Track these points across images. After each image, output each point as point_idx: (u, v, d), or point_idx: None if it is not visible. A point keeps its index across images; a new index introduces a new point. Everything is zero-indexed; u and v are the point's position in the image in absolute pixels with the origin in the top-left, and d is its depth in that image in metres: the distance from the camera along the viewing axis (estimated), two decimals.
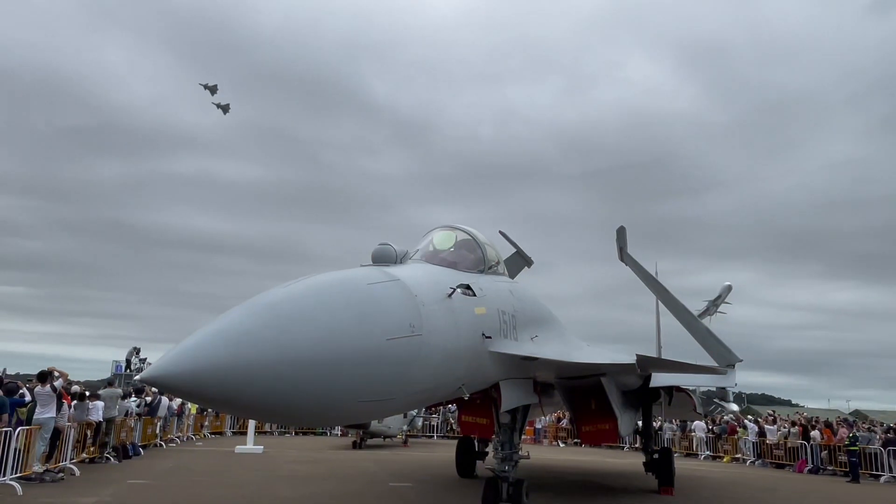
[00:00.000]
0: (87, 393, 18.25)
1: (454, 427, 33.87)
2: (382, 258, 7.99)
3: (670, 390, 17.33)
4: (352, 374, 5.54)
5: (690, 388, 18.12)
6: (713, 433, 31.76)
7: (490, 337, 8.90)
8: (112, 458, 18.35)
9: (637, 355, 12.62)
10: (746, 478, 22.38)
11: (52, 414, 14.51)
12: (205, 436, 30.75)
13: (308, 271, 6.38)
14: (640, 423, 18.46)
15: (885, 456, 22.69)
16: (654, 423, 26.16)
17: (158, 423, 24.39)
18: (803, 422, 28.27)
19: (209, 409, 32.30)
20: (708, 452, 31.17)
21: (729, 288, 26.61)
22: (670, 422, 33.88)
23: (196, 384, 4.58)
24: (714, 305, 26.46)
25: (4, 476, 12.73)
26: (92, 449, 17.93)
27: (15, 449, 13.18)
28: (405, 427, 31.23)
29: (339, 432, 33.74)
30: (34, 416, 14.20)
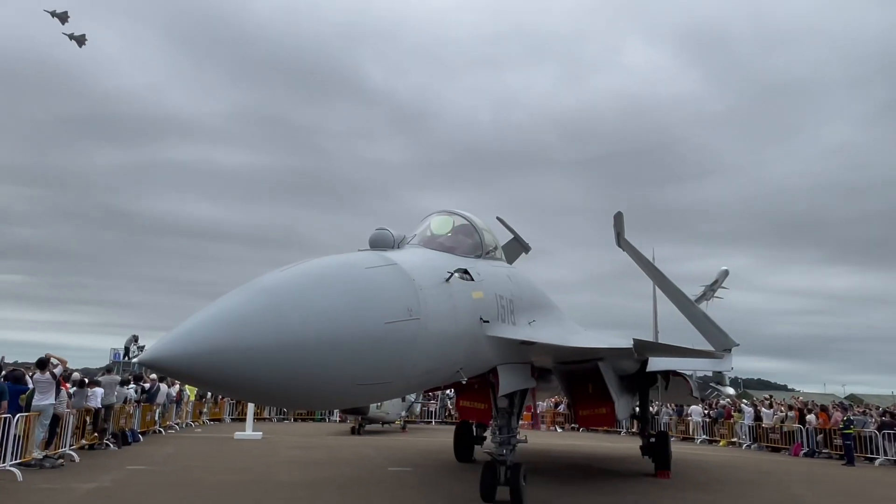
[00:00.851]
0: (87, 380, 18.30)
1: (452, 413, 34.06)
2: (380, 243, 7.99)
3: (667, 375, 17.44)
4: (350, 357, 5.55)
5: (687, 372, 18.22)
6: (709, 417, 31.99)
7: (488, 321, 8.91)
8: (111, 445, 18.43)
9: (634, 340, 12.67)
10: (742, 461, 22.56)
11: (51, 401, 14.54)
12: (203, 422, 30.87)
13: (305, 258, 6.36)
14: (637, 407, 18.58)
15: (880, 439, 22.88)
16: (652, 408, 26.35)
17: (157, 410, 24.47)
18: (799, 406, 28.47)
19: (208, 396, 32.44)
20: (704, 436, 31.41)
21: (726, 273, 26.66)
22: (666, 406, 34.12)
23: (193, 367, 4.59)
24: (711, 290, 26.52)
25: (4, 462, 12.77)
26: (92, 436, 17.99)
27: (14, 435, 13.23)
28: (404, 413, 31.40)
29: (338, 418, 33.90)
30: (33, 403, 14.24)
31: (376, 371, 6.08)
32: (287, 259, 6.04)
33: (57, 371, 15.05)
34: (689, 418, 32.66)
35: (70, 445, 16.29)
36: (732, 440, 29.59)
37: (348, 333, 5.53)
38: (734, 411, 31.36)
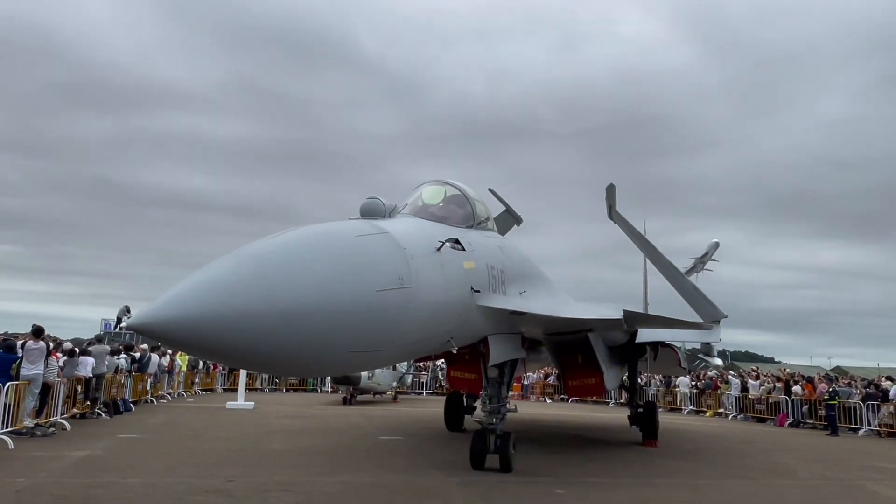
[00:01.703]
0: (77, 349, 18.26)
1: (444, 384, 34.30)
2: (371, 212, 7.95)
3: (656, 346, 17.59)
4: (340, 325, 5.54)
5: (676, 343, 18.40)
6: (697, 389, 32.39)
7: (479, 291, 8.94)
8: (103, 414, 18.47)
9: (624, 311, 12.77)
10: (728, 431, 22.92)
11: (41, 370, 14.52)
12: (195, 392, 30.98)
13: (295, 226, 6.31)
14: (625, 378, 18.77)
15: (864, 410, 23.28)
16: (640, 380, 26.63)
17: (149, 380, 24.50)
18: (786, 377, 28.86)
19: (199, 367, 32.52)
20: (691, 407, 31.83)
21: (716, 245, 26.76)
22: (655, 377, 34.51)
23: (181, 332, 4.57)
24: (701, 263, 26.63)
25: None
26: (84, 405, 18.02)
27: (5, 404, 13.23)
28: (395, 384, 31.59)
29: (330, 389, 34.10)
30: (22, 372, 14.20)
31: (368, 339, 6.09)
32: (278, 230, 5.97)
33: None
34: (677, 389, 33.06)
35: (61, 414, 16.32)
36: (719, 411, 30.01)
37: (339, 301, 5.51)
38: (721, 382, 31.77)
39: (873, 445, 19.90)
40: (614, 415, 25.74)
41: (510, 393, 13.50)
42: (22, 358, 14.38)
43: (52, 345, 16.07)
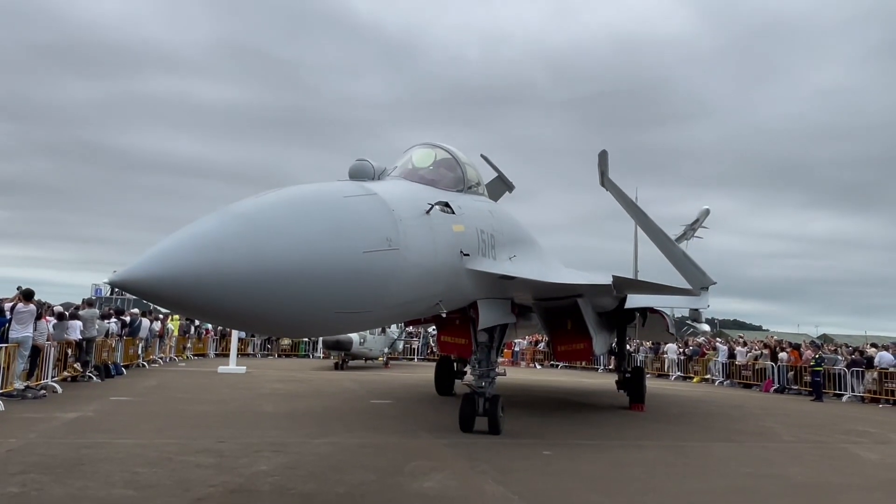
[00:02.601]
0: (67, 313, 18.23)
1: (435, 350, 34.57)
2: (360, 174, 7.90)
3: (645, 312, 17.71)
4: (327, 285, 5.52)
5: (665, 309, 18.53)
6: (685, 355, 32.78)
7: (468, 255, 8.93)
8: (94, 377, 18.53)
9: (613, 276, 12.79)
10: (714, 396, 23.27)
11: (30, 333, 14.50)
12: (187, 357, 31.09)
13: (281, 186, 6.23)
14: (614, 343, 18.95)
15: (849, 376, 23.64)
16: (629, 346, 26.89)
17: (140, 344, 24.56)
18: (773, 344, 29.22)
19: (191, 332, 32.58)
20: (679, 373, 32.25)
21: (707, 212, 26.76)
22: (643, 344, 34.88)
23: (164, 289, 4.52)
24: (692, 230, 26.65)
25: None
26: (76, 367, 18.05)
27: None
28: (387, 349, 31.82)
29: (322, 354, 34.31)
30: (11, 335, 14.17)
31: (356, 300, 6.08)
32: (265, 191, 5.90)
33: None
34: (665, 356, 33.47)
35: (52, 377, 16.36)
36: (706, 377, 30.43)
37: (326, 261, 5.48)
38: (709, 349, 32.16)
39: (856, 410, 20.26)
40: (603, 380, 26.07)
41: (500, 359, 13.65)
42: (11, 320, 14.34)
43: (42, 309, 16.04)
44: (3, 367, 13.67)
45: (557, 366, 36.21)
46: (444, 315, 9.21)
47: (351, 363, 28.51)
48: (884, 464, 11.33)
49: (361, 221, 6.20)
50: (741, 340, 32.59)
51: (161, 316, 29.31)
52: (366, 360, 29.83)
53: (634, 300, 15.86)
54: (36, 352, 15.08)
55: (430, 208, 7.89)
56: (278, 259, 5.04)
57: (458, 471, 8.87)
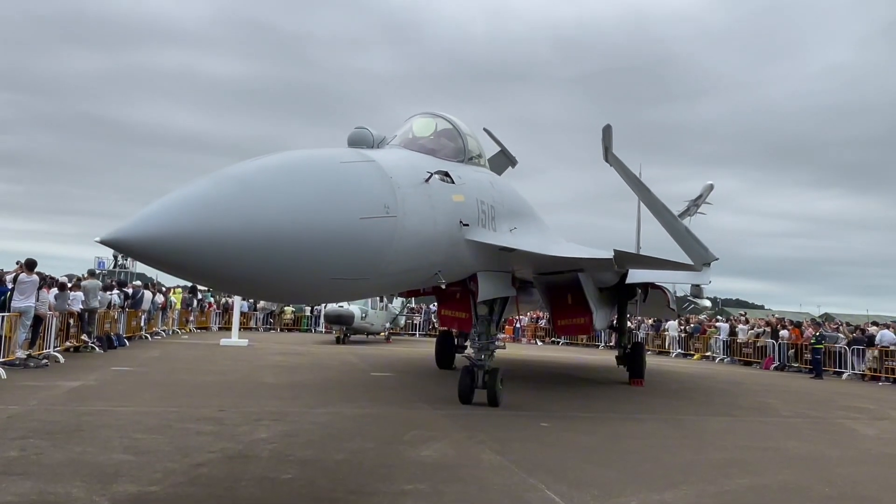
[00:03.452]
0: (70, 284, 18.27)
1: (437, 326, 34.70)
2: (358, 142, 7.82)
3: (646, 287, 17.69)
4: (322, 250, 5.47)
5: (666, 285, 18.49)
6: (685, 332, 32.82)
7: (467, 225, 8.87)
8: (97, 348, 18.63)
9: (615, 250, 12.73)
10: (714, 372, 23.33)
11: (32, 303, 14.54)
12: (190, 330, 31.24)
13: (277, 151, 6.16)
14: (615, 320, 18.95)
15: (849, 354, 23.65)
16: (630, 324, 26.88)
17: (143, 316, 24.66)
18: (774, 322, 29.22)
19: (194, 305, 32.70)
20: (679, 350, 32.32)
21: (710, 187, 26.47)
22: (644, 321, 34.94)
23: (155, 249, 4.47)
24: (695, 205, 26.38)
25: None
26: (82, 338, 18.14)
27: None
28: (388, 324, 31.93)
29: (324, 329, 34.44)
30: (13, 304, 14.22)
31: (352, 266, 6.04)
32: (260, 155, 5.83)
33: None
34: (666, 333, 33.52)
35: (54, 347, 16.45)
36: (707, 354, 30.48)
37: (321, 225, 5.42)
38: (710, 327, 32.19)
39: (856, 388, 20.31)
40: (603, 357, 26.13)
41: (501, 335, 13.65)
42: (13, 290, 14.38)
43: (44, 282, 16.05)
44: (5, 337, 13.74)
45: (558, 342, 36.32)
46: (443, 286, 9.18)
47: (352, 338, 28.62)
48: (881, 439, 11.37)
49: (358, 187, 6.14)
50: (743, 318, 32.58)
51: (164, 288, 29.41)
52: (367, 334, 29.94)
53: (636, 275, 15.83)
54: (38, 321, 15.13)
55: (430, 177, 7.83)
56: (272, 222, 4.99)
57: (456, 440, 8.92)
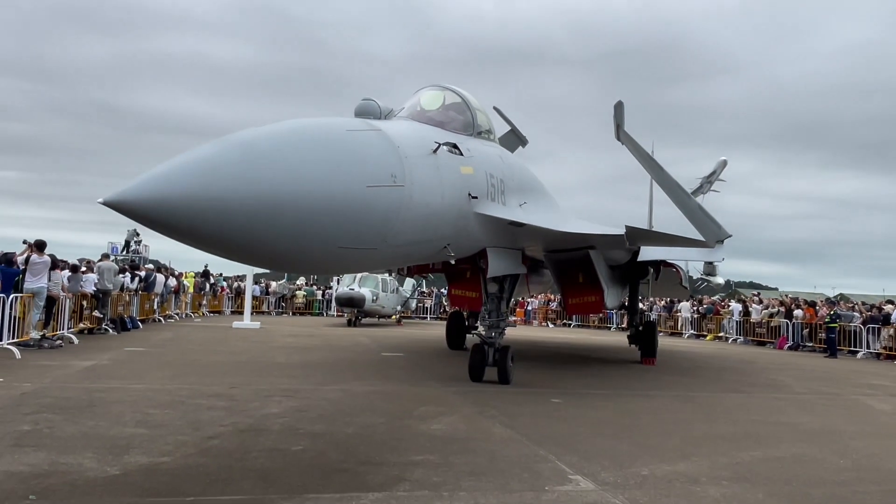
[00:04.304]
0: (83, 268, 18.39)
1: (447, 308, 34.71)
2: (365, 113, 7.74)
3: (658, 266, 17.52)
4: (328, 217, 5.40)
5: (679, 262, 18.32)
6: (698, 313, 32.60)
7: (476, 197, 8.78)
8: (110, 330, 18.78)
9: (626, 227, 12.59)
10: (727, 352, 23.18)
11: (44, 283, 14.64)
12: (203, 314, 31.46)
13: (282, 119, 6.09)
14: (626, 298, 18.81)
15: (865, 333, 23.40)
16: (642, 305, 26.69)
17: (156, 300, 24.83)
18: (788, 302, 28.96)
19: (206, 289, 32.88)
20: (692, 331, 32.14)
21: (724, 163, 26.07)
22: (657, 302, 34.76)
23: (158, 211, 4.40)
24: (708, 182, 26.04)
25: (2, 341, 12.98)
26: (94, 314, 18.26)
27: (11, 316, 13.38)
28: (399, 307, 32.00)
29: (335, 312, 34.57)
30: (25, 285, 14.31)
31: (359, 235, 5.99)
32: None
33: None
34: (679, 314, 33.33)
35: (68, 328, 16.58)
36: (720, 335, 30.30)
37: (327, 192, 5.36)
38: (723, 308, 31.97)
39: (871, 367, 20.11)
40: (615, 338, 26.04)
41: (512, 318, 13.57)
42: (25, 271, 14.47)
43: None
44: (19, 318, 13.84)
45: (570, 324, 36.26)
46: (453, 261, 9.11)
47: (364, 321, 28.71)
48: None
49: (365, 155, 6.07)
50: (757, 298, 32.32)
51: (176, 272, 29.57)
52: (378, 317, 30.01)
53: (647, 253, 15.66)
54: (51, 302, 15.24)
55: (437, 147, 7.74)
56: (277, 187, 4.93)
57: (466, 415, 8.90)
